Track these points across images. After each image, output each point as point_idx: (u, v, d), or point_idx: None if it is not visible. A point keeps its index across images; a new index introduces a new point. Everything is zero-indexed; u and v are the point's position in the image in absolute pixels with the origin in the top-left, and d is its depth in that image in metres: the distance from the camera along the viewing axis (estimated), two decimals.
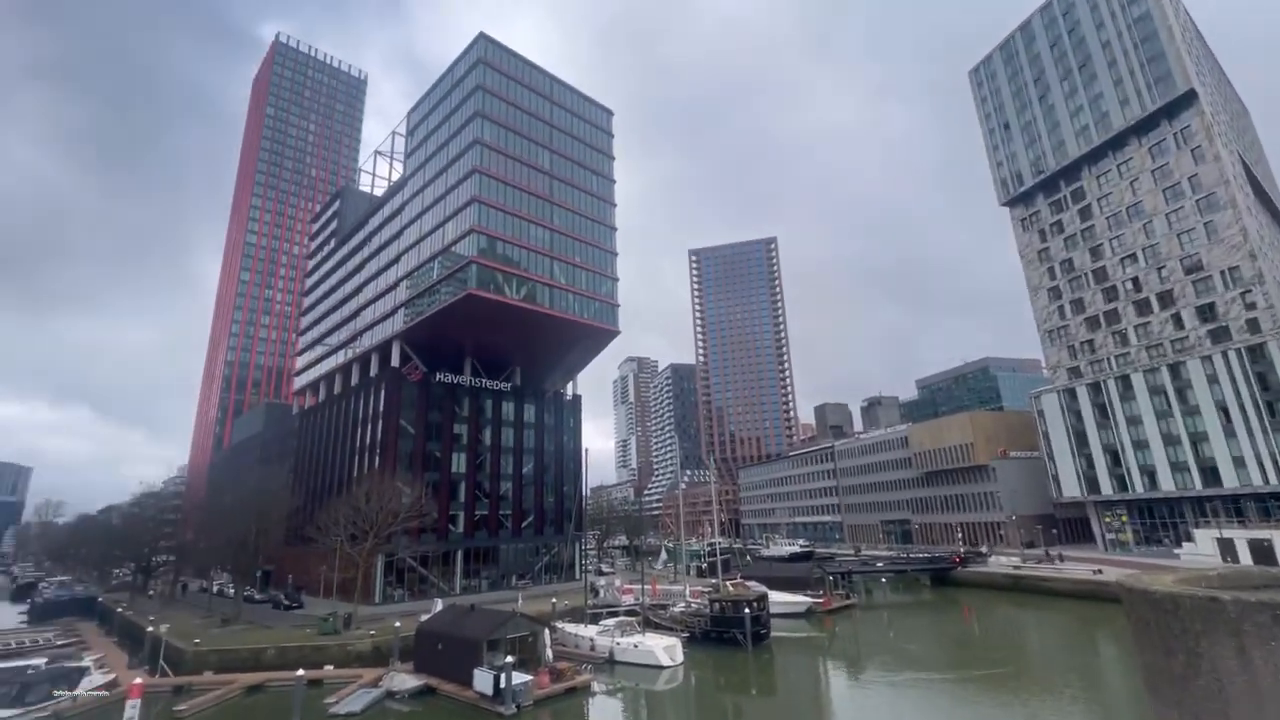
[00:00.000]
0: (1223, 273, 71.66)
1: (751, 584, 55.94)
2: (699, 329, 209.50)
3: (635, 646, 40.62)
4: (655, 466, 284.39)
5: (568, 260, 73.90)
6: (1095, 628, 47.93)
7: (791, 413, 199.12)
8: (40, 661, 38.44)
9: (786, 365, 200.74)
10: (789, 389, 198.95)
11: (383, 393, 69.17)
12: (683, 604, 53.22)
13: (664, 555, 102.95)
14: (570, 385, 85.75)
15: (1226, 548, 61.34)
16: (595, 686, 36.51)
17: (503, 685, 31.08)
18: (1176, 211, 76.56)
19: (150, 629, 44.07)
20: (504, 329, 70.51)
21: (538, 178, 74.17)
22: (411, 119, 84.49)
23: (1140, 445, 77.53)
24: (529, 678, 33.13)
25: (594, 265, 76.86)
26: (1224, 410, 69.56)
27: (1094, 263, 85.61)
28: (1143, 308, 79.65)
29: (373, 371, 75.95)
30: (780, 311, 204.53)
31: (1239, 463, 67.82)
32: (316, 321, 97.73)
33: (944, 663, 40.59)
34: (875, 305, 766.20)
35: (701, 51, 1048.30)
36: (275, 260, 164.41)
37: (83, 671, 37.10)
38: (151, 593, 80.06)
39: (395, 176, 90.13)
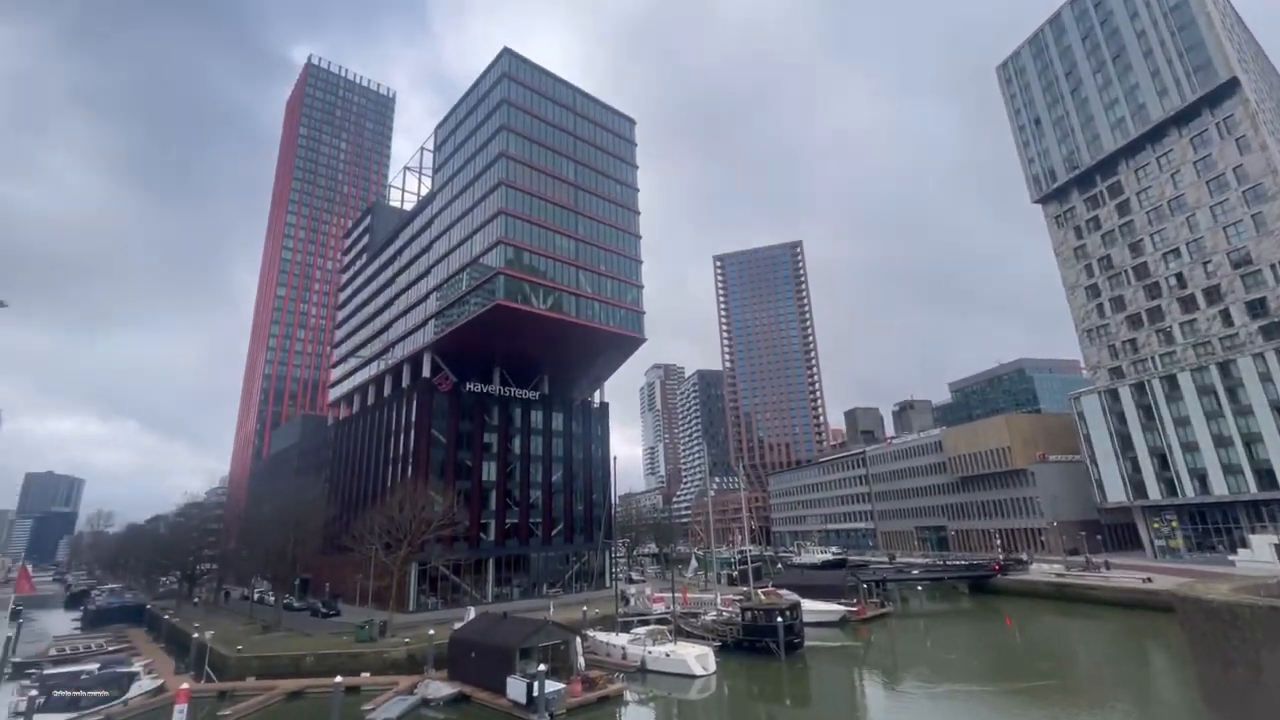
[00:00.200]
0: (1273, 266, 68.65)
1: (784, 592, 55.24)
2: (725, 335, 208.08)
3: (667, 655, 40.33)
4: (683, 473, 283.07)
5: (593, 269, 74.50)
6: (1146, 638, 46.09)
7: (821, 418, 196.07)
8: (93, 666, 39.77)
9: (815, 370, 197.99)
10: (818, 394, 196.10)
11: (414, 403, 70.47)
12: (714, 612, 52.76)
13: (694, 563, 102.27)
14: (597, 393, 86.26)
15: None
16: (628, 695, 36.36)
17: (535, 693, 31.17)
18: (1221, 204, 73.73)
19: (195, 635, 45.40)
20: (532, 338, 71.32)
21: (562, 188, 75.02)
22: (439, 134, 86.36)
23: (1189, 447, 74.54)
24: (561, 686, 33.18)
25: (619, 273, 77.31)
26: (1278, 410, 66.58)
27: (1134, 259, 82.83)
28: (1188, 304, 76.71)
29: (404, 383, 77.38)
30: (807, 316, 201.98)
31: None
32: (350, 334, 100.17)
33: (985, 674, 39.36)
34: (904, 307, 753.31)
35: (720, 56, 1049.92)
36: (310, 275, 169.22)
37: (133, 677, 38.31)
38: (196, 600, 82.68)
39: (424, 191, 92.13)
